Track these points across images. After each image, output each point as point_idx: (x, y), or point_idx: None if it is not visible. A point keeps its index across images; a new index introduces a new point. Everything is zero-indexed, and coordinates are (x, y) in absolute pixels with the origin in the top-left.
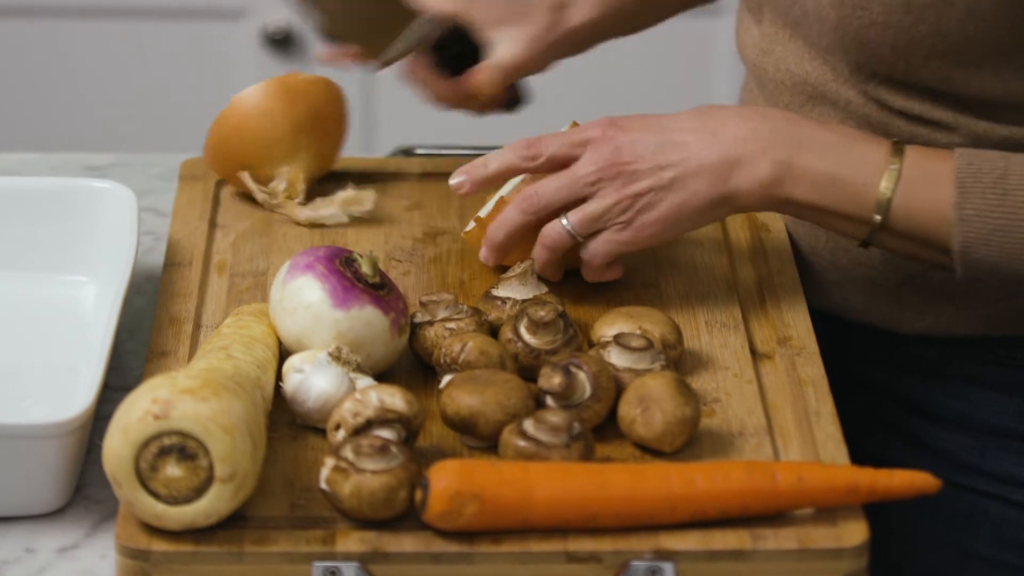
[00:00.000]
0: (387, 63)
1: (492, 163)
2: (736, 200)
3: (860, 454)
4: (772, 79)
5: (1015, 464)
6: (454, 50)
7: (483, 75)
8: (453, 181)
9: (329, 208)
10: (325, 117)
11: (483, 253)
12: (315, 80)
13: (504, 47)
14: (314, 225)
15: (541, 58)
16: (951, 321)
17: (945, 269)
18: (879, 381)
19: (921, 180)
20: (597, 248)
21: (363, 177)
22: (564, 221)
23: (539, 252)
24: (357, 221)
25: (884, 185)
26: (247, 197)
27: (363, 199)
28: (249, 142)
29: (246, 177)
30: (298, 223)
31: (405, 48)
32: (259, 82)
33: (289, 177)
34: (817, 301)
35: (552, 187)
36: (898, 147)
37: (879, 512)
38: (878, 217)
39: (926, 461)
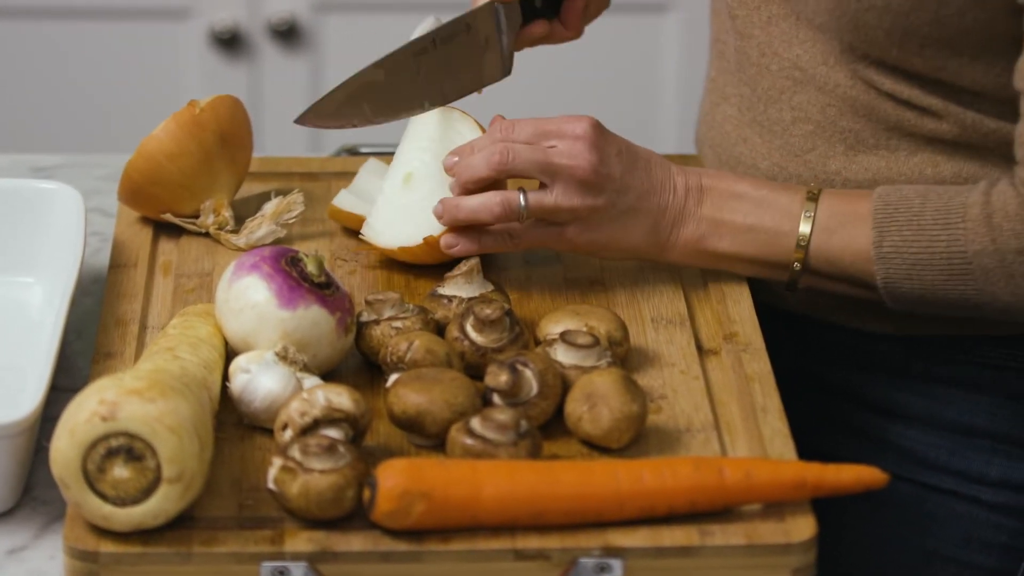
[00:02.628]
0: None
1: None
2: (665, 253)
3: (824, 454)
4: (755, 64)
5: (985, 463)
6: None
7: None
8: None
9: (263, 227)
10: (232, 134)
11: (454, 188)
12: (214, 102)
13: None
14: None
15: None
16: (918, 322)
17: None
18: (845, 381)
19: (837, 222)
20: (532, 234)
21: (299, 177)
22: (522, 199)
23: (483, 214)
24: (302, 220)
25: (801, 230)
26: None
27: (292, 204)
28: (165, 188)
29: (171, 217)
30: (240, 249)
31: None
32: (166, 118)
33: (214, 207)
34: (783, 302)
35: (526, 157)
36: (812, 193)
37: (844, 512)
38: (797, 264)
39: (893, 461)
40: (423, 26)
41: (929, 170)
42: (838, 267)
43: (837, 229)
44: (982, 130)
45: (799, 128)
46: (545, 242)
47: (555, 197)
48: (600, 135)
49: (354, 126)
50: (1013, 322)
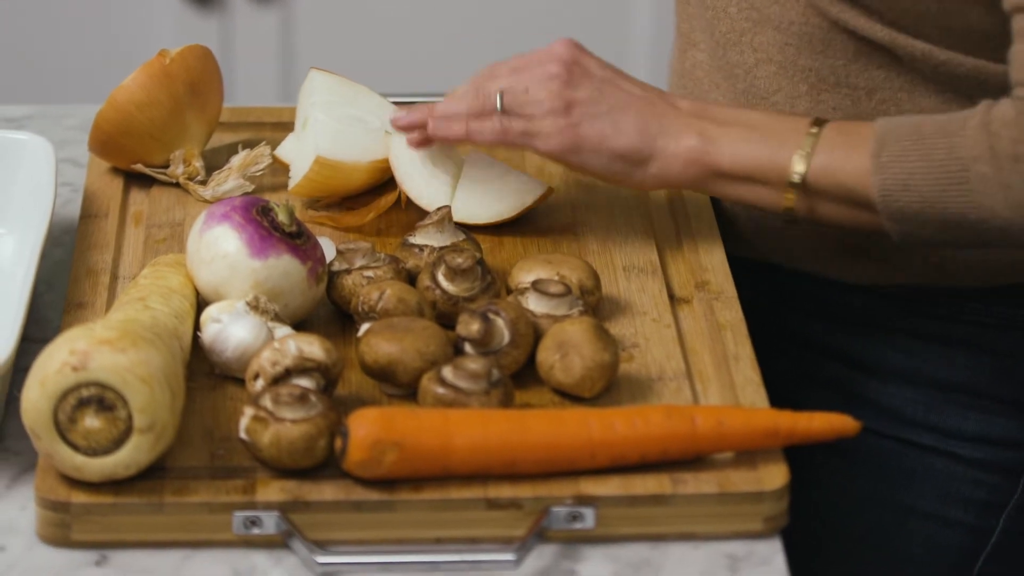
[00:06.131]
0: None
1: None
2: (658, 160)
3: (800, 409)
4: (713, 7)
5: (962, 418)
6: None
7: None
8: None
9: (230, 180)
10: (203, 84)
11: (432, 126)
12: (184, 52)
13: None
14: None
15: None
16: (898, 270)
17: (876, 233)
18: (823, 335)
19: (840, 140)
20: (515, 126)
21: (270, 127)
22: (499, 99)
23: (455, 105)
24: (272, 171)
25: (804, 148)
26: None
27: (259, 157)
28: (135, 138)
29: (142, 167)
30: (208, 202)
31: None
32: (136, 69)
33: (184, 157)
34: (761, 252)
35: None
36: (819, 120)
37: (822, 468)
38: (798, 175)
39: (870, 416)
40: None
41: (892, 109)
42: (838, 184)
43: (841, 146)
44: (932, 62)
45: (762, 70)
46: (529, 134)
47: (529, 86)
48: (577, 49)
49: None
50: (1015, 245)
